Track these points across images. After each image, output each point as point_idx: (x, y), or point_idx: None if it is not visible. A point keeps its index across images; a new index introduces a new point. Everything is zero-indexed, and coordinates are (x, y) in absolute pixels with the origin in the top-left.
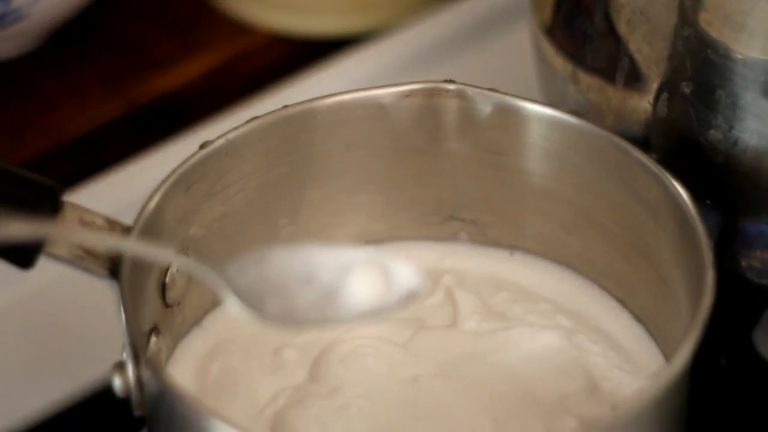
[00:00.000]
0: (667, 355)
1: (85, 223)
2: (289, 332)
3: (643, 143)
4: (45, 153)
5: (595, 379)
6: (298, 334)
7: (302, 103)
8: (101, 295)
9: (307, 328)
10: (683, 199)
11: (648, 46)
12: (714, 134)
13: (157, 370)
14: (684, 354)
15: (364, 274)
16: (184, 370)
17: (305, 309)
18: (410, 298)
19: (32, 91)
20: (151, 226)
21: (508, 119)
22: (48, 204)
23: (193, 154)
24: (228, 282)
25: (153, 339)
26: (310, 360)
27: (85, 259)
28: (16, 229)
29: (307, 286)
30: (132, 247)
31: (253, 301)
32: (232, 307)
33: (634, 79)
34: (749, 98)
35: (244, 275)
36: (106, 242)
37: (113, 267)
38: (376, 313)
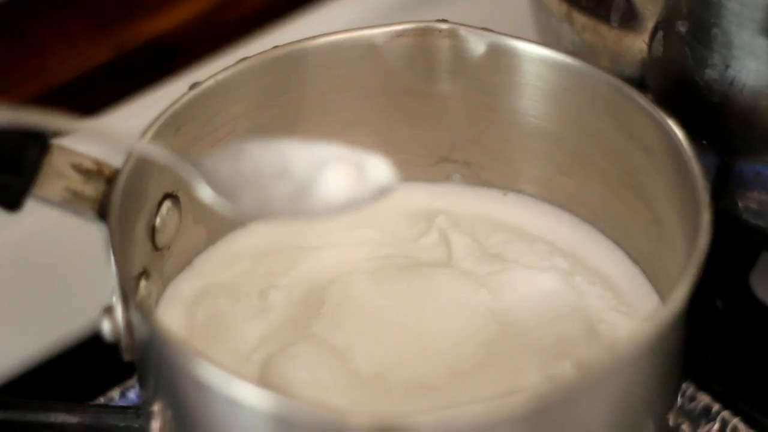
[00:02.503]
0: (663, 297)
1: (73, 165)
2: (262, 221)
3: (639, 83)
4: (34, 96)
5: (592, 322)
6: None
7: (293, 43)
8: (90, 239)
9: (280, 218)
10: (679, 139)
11: None
12: (710, 73)
13: (147, 314)
14: (679, 295)
15: (338, 169)
16: (173, 313)
17: (279, 201)
18: (383, 192)
19: (22, 35)
20: (139, 169)
21: (502, 59)
22: (36, 146)
23: (183, 96)
24: (202, 174)
25: (143, 283)
26: (296, 302)
27: (73, 201)
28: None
29: (281, 179)
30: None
31: (228, 193)
32: (205, 197)
33: (629, 18)
34: (745, 36)
35: (219, 168)
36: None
37: (102, 209)
38: (349, 207)
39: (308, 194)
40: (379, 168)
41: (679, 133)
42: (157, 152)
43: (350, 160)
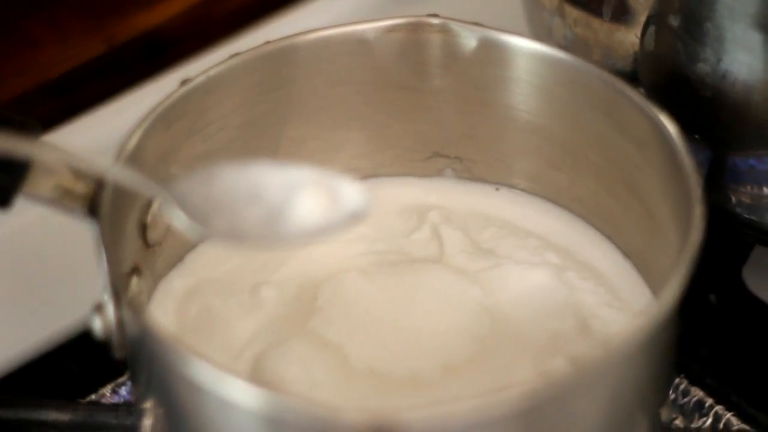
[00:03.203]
0: (656, 292)
1: (63, 162)
2: (234, 248)
3: (631, 78)
4: (26, 91)
5: (585, 318)
6: (249, 253)
7: (284, 38)
8: (80, 236)
9: (252, 244)
10: (671, 134)
11: None
12: (702, 67)
13: (138, 311)
14: (673, 290)
15: (311, 193)
16: (164, 310)
17: (252, 226)
18: (356, 218)
19: (13, 29)
20: (130, 165)
21: (494, 54)
22: None
23: (174, 91)
24: (175, 198)
25: (134, 280)
26: (288, 298)
27: (63, 198)
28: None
29: (254, 203)
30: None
31: (201, 218)
32: (178, 223)
33: (621, 12)
34: (738, 30)
35: (192, 192)
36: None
37: (92, 206)
38: (322, 233)
39: (281, 219)
40: (352, 192)
41: (671, 127)
42: (129, 177)
43: (324, 184)
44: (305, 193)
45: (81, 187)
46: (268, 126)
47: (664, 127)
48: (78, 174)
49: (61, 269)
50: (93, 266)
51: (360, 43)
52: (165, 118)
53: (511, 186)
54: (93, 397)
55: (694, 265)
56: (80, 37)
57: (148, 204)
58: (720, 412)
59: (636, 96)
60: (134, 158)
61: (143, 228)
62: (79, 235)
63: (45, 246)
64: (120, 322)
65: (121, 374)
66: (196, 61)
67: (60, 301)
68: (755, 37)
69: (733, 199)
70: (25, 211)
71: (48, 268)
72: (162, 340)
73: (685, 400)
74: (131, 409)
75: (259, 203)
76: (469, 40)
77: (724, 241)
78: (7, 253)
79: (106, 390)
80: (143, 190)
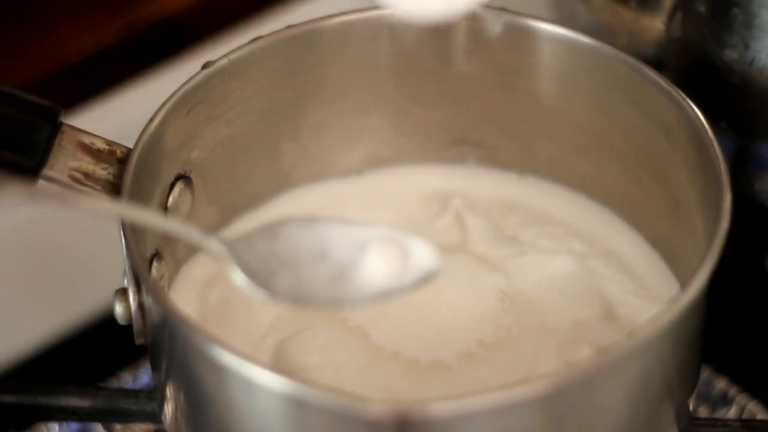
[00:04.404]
0: (681, 280)
1: (84, 146)
2: (299, 310)
3: (656, 64)
4: (44, 77)
5: (610, 305)
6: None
7: (307, 23)
8: (102, 221)
9: (318, 307)
10: (699, 120)
11: None
12: (729, 54)
13: (160, 296)
14: (701, 278)
15: (381, 253)
16: (186, 296)
17: (317, 287)
18: (427, 278)
19: (32, 16)
20: (151, 149)
21: (519, 39)
22: (47, 125)
23: (195, 75)
24: (235, 256)
25: (155, 265)
26: None
27: (84, 182)
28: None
29: (319, 263)
30: (130, 214)
31: (263, 278)
32: (238, 282)
33: None
34: (766, 16)
35: (253, 249)
36: (101, 208)
37: (114, 191)
38: (390, 294)
39: (347, 279)
40: (422, 252)
41: (698, 113)
42: (186, 230)
43: (393, 243)
44: (375, 253)
45: (102, 171)
46: (291, 111)
47: (692, 114)
48: (99, 157)
49: (83, 254)
50: (115, 251)
51: (384, 27)
52: (186, 102)
53: (536, 173)
54: (114, 382)
55: (721, 253)
56: (98, 23)
57: (170, 189)
58: (744, 400)
59: (663, 82)
60: (155, 143)
61: (165, 212)
62: (99, 220)
63: (66, 230)
64: (141, 308)
65: (140, 360)
66: (215, 47)
67: (82, 286)
68: None
69: (757, 187)
70: None
71: (70, 252)
72: (184, 325)
73: (709, 389)
74: (152, 395)
75: (326, 263)
76: (494, 25)
77: (748, 230)
78: (29, 238)
79: (128, 375)
80: (202, 246)
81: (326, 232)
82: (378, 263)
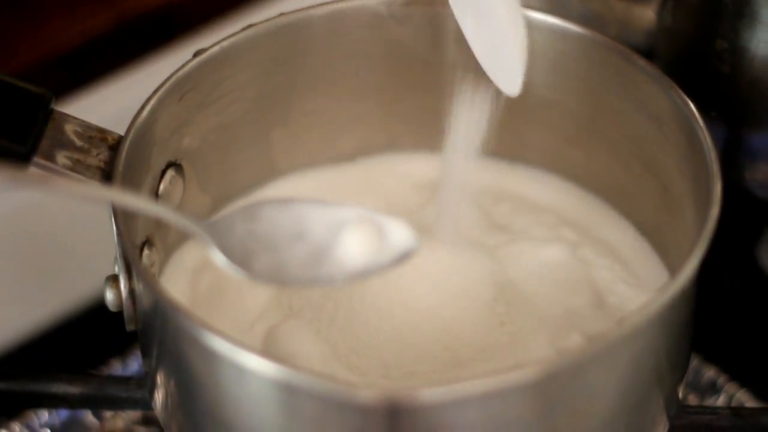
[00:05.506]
0: (671, 269)
1: (75, 133)
2: (278, 288)
3: (647, 54)
4: (36, 65)
5: (600, 294)
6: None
7: (299, 11)
8: (93, 208)
9: (296, 286)
10: (689, 108)
11: None
12: (720, 43)
13: (151, 282)
14: (691, 265)
15: (357, 232)
16: (176, 283)
17: (295, 266)
18: (404, 257)
19: (24, 4)
20: (143, 137)
21: None
22: (38, 112)
23: (187, 62)
24: (215, 237)
25: (146, 252)
26: None
27: (75, 169)
28: None
29: (297, 243)
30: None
31: (241, 258)
32: (218, 262)
33: None
34: (756, 6)
35: (233, 231)
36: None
37: (105, 178)
38: (367, 273)
39: (325, 259)
40: (399, 231)
41: (689, 102)
42: (167, 214)
43: (370, 223)
44: (351, 233)
45: (93, 158)
46: (282, 99)
47: (683, 103)
48: (91, 144)
49: (73, 240)
50: (106, 237)
51: (375, 16)
52: (178, 90)
53: (526, 161)
54: (103, 369)
55: (711, 241)
56: (91, 12)
57: (161, 176)
58: (733, 389)
59: (654, 71)
60: (146, 130)
61: (156, 199)
62: (91, 205)
63: (57, 217)
64: (132, 294)
65: (129, 348)
66: (206, 35)
67: (72, 273)
68: None
69: (747, 176)
70: None
71: (60, 239)
72: (175, 311)
73: (698, 377)
74: (142, 381)
75: (303, 243)
76: None
77: (738, 220)
78: (19, 225)
79: (117, 362)
80: (182, 227)
81: (303, 213)
82: (355, 242)
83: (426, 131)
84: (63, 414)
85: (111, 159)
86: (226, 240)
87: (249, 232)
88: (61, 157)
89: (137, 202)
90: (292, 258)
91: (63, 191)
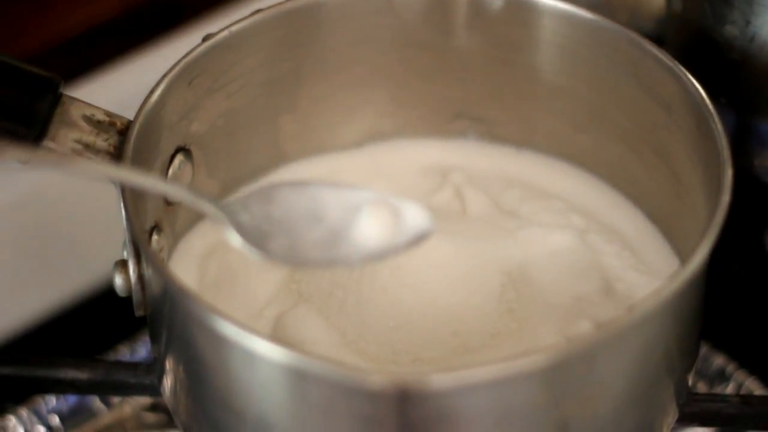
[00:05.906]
0: (681, 256)
1: (84, 117)
2: (292, 270)
3: (657, 40)
4: (45, 49)
5: (609, 281)
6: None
7: None
8: (102, 193)
9: (312, 267)
10: (699, 94)
11: None
12: (730, 30)
13: (160, 267)
14: (702, 252)
15: (373, 215)
16: (185, 268)
17: (311, 248)
18: (419, 239)
19: None
20: (152, 121)
21: (520, 14)
22: (47, 96)
23: (196, 47)
24: (231, 218)
25: (155, 237)
26: None
27: (84, 153)
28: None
29: (314, 225)
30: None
31: (258, 240)
32: (234, 244)
33: None
34: None
35: (250, 212)
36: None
37: (114, 162)
38: (383, 254)
39: (341, 241)
40: (415, 213)
41: (699, 88)
42: (184, 193)
43: (385, 205)
44: (367, 215)
45: (102, 142)
46: (291, 84)
47: (693, 88)
48: (100, 128)
49: (82, 226)
50: (115, 223)
51: (384, 1)
52: (187, 75)
53: (535, 148)
54: (110, 356)
55: (722, 228)
56: None
57: (170, 161)
58: (742, 377)
59: (664, 57)
60: (155, 115)
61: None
62: (100, 190)
63: (66, 202)
64: (141, 279)
65: (138, 334)
66: (215, 20)
67: (81, 258)
68: None
69: (757, 163)
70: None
71: (69, 224)
72: (184, 295)
73: (707, 365)
74: (150, 367)
75: (319, 225)
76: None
77: (747, 207)
78: (29, 210)
79: (125, 348)
80: (198, 207)
81: (319, 196)
82: (370, 224)
83: (435, 117)
84: (71, 400)
85: (120, 144)
86: (242, 221)
87: (265, 214)
88: (70, 141)
89: (153, 182)
90: (309, 240)
91: (77, 170)
